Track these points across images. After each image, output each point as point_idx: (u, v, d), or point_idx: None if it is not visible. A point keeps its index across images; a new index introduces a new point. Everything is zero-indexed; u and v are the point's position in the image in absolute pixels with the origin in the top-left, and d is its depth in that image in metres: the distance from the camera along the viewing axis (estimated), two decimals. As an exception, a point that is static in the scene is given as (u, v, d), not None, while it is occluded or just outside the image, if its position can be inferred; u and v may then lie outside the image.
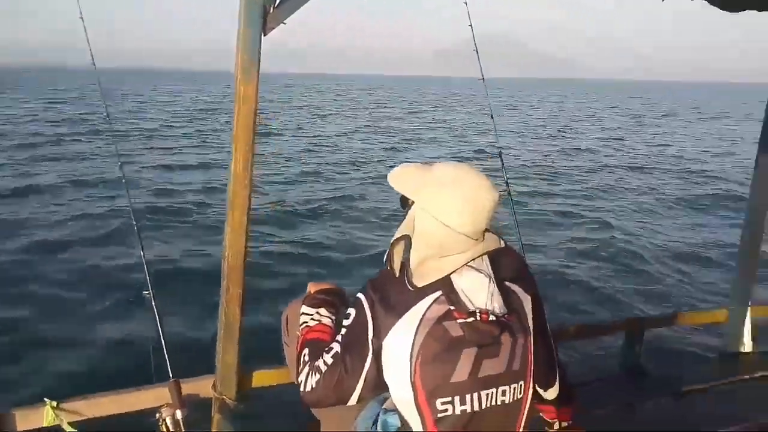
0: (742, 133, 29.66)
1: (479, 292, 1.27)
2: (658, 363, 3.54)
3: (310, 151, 20.15)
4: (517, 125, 32.48)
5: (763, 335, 3.58)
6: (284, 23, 1.97)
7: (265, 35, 1.93)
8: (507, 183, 3.29)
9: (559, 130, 30.49)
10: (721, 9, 2.98)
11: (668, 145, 25.21)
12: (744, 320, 3.54)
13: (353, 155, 19.06)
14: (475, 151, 20.08)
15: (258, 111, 1.88)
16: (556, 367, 1.54)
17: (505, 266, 1.37)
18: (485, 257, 1.32)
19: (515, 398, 1.31)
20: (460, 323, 1.24)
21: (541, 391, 1.52)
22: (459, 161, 1.42)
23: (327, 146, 21.50)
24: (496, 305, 1.27)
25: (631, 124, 36.20)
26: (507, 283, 1.34)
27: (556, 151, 22.07)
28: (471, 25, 3.36)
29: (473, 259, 1.29)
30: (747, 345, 3.56)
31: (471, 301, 1.25)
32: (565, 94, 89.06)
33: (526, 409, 1.35)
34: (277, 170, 15.55)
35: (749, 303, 3.56)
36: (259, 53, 1.88)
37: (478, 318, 1.24)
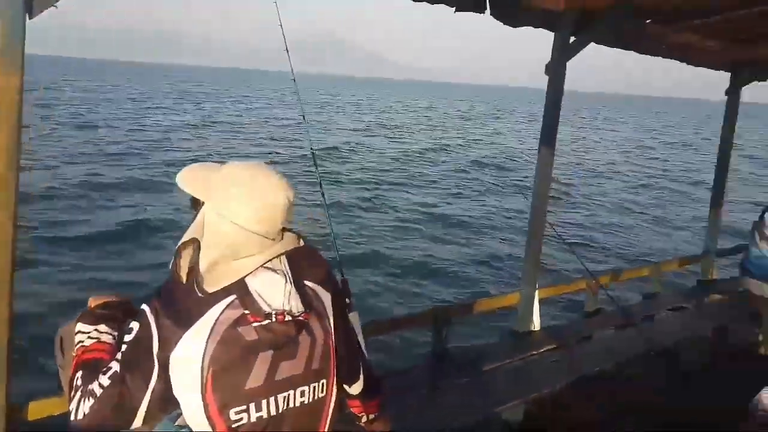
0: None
1: (275, 293, 1.23)
2: (462, 346, 3.85)
3: (129, 146, 18.63)
4: (334, 123, 33.26)
5: (547, 313, 4.06)
6: (55, 6, 1.75)
7: (31, 18, 1.69)
8: (320, 184, 3.30)
9: (396, 129, 31.87)
10: (504, 24, 3.37)
11: (496, 144, 27.65)
12: (533, 302, 3.99)
13: (175, 156, 17.90)
14: (297, 152, 20.13)
15: (23, 103, 1.64)
16: (360, 362, 1.56)
17: (304, 265, 1.35)
18: (283, 257, 1.29)
19: (317, 397, 1.30)
20: (255, 327, 1.19)
21: (346, 387, 1.53)
22: (255, 161, 1.36)
23: (153, 141, 19.99)
24: (294, 305, 1.24)
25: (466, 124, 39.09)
26: (306, 282, 1.32)
27: (363, 150, 22.95)
28: (281, 26, 3.31)
29: (270, 260, 1.25)
30: (536, 323, 4.02)
31: (267, 303, 1.21)
32: (394, 94, 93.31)
33: (331, 407, 1.35)
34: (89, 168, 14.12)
35: (537, 286, 4.02)
36: (24, 38, 1.64)
37: (274, 320, 1.20)
